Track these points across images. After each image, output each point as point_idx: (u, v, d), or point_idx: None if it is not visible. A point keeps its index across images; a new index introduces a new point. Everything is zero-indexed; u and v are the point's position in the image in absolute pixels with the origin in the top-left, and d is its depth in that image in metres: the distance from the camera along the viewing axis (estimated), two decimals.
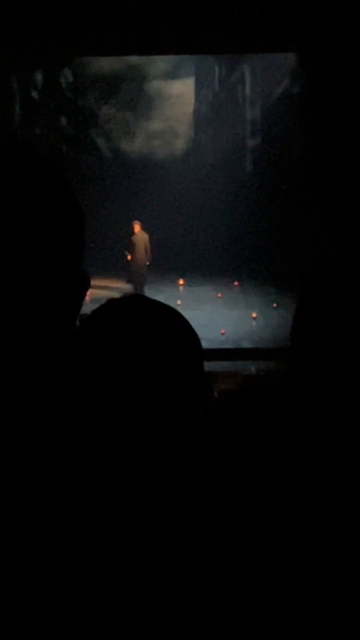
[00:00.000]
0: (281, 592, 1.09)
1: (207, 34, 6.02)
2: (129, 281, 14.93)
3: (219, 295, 16.07)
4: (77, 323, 1.12)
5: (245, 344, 11.34)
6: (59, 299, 1.04)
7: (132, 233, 14.98)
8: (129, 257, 14.90)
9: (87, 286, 1.12)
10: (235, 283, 17.12)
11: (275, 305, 13.79)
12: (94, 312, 1.12)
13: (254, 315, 13.66)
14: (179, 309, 1.15)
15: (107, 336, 1.06)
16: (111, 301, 1.13)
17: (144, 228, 15.03)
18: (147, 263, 14.92)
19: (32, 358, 1.02)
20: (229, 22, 5.67)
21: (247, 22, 5.04)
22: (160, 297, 1.16)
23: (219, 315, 13.28)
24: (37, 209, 1.02)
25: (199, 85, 21.45)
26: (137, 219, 15.23)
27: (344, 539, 1.12)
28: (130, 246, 14.89)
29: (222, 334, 11.83)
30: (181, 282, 17.27)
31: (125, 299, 1.14)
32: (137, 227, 14.96)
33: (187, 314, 1.16)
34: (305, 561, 1.11)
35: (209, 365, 1.18)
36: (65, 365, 1.06)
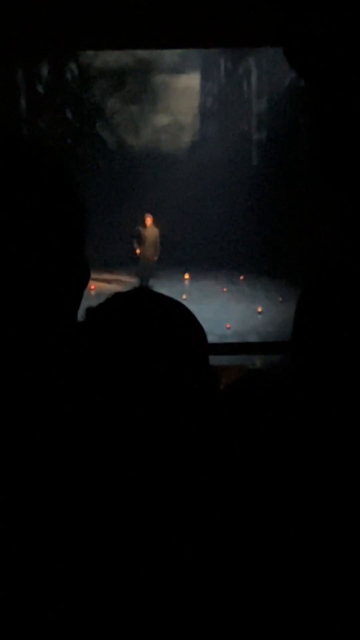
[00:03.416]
0: (281, 590, 1.09)
1: (212, 27, 6.01)
2: (136, 275, 14.93)
3: (225, 289, 16.07)
4: (83, 315, 1.12)
5: (251, 338, 11.34)
6: (59, 291, 1.05)
7: (144, 225, 14.94)
8: (137, 251, 14.88)
9: (87, 278, 1.12)
10: (241, 277, 17.12)
11: (280, 299, 13.80)
12: (100, 305, 1.12)
13: (259, 309, 13.66)
14: (185, 304, 1.15)
15: (113, 329, 1.06)
16: (117, 294, 1.13)
17: (155, 222, 15.00)
18: (156, 258, 14.91)
19: (32, 350, 1.02)
20: (235, 15, 5.66)
21: (253, 15, 5.03)
22: (165, 291, 1.16)
23: (225, 310, 13.29)
24: (36, 199, 1.02)
25: (204, 79, 21.46)
26: (150, 212, 15.20)
27: (345, 532, 1.12)
28: (140, 239, 14.87)
29: (228, 328, 11.84)
30: (187, 276, 17.28)
31: (132, 292, 1.14)
32: (149, 220, 14.91)
33: (192, 308, 1.16)
34: (306, 556, 1.11)
35: (214, 360, 1.18)
36: (67, 357, 1.06)
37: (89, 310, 1.11)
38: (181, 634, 1.01)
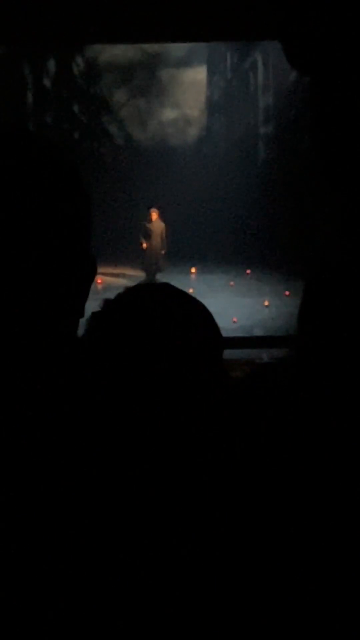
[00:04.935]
0: (283, 591, 1.08)
1: (219, 20, 5.99)
2: (142, 269, 14.90)
3: (232, 283, 16.03)
4: (99, 307, 1.13)
5: (258, 332, 11.33)
6: (66, 284, 1.05)
7: (149, 220, 14.92)
8: (144, 245, 14.85)
9: (94, 272, 1.12)
10: (248, 271, 17.08)
11: (287, 293, 13.75)
12: (119, 296, 1.12)
13: (266, 303, 13.64)
14: None
15: (133, 321, 1.07)
16: (138, 287, 1.14)
17: (161, 216, 14.97)
18: (163, 252, 14.88)
19: (41, 342, 1.02)
20: (241, 8, 5.64)
21: (259, 8, 5.01)
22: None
23: (232, 304, 13.25)
24: (40, 191, 1.02)
25: (211, 73, 21.37)
26: (155, 206, 15.16)
27: (351, 527, 1.12)
28: (146, 234, 14.84)
29: (235, 322, 11.82)
30: (193, 270, 17.24)
31: (154, 285, 1.15)
32: (154, 215, 14.89)
33: None
34: (315, 555, 1.11)
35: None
36: (75, 348, 1.06)
37: (108, 301, 1.11)
38: (181, 634, 1.01)
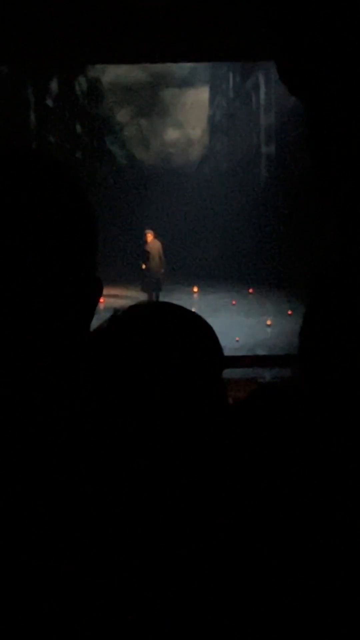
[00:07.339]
0: (283, 591, 1.08)
1: (221, 41, 6.03)
2: (143, 289, 14.94)
3: (234, 302, 16.07)
4: (105, 322, 1.12)
5: (260, 351, 11.33)
6: (69, 304, 1.04)
7: (145, 242, 14.97)
8: (143, 266, 14.90)
9: (100, 291, 1.12)
10: (250, 290, 17.13)
11: (290, 312, 13.77)
12: (120, 314, 1.12)
13: (268, 322, 13.65)
14: None
15: (134, 339, 1.07)
16: (139, 305, 1.14)
17: (157, 236, 15.02)
18: (162, 271, 14.91)
19: (43, 362, 1.02)
20: (243, 29, 5.68)
21: (261, 29, 5.05)
22: None
23: (234, 323, 13.27)
24: (47, 213, 1.01)
25: (213, 93, 21.54)
26: (149, 227, 15.22)
27: (350, 540, 1.12)
28: (144, 255, 14.88)
29: (237, 341, 11.82)
30: (195, 289, 17.29)
31: (155, 303, 1.15)
32: (149, 236, 14.94)
33: None
34: (310, 563, 1.10)
35: (224, 373, 1.18)
36: (81, 367, 1.06)
37: (114, 317, 1.11)
38: (181, 634, 1.00)
